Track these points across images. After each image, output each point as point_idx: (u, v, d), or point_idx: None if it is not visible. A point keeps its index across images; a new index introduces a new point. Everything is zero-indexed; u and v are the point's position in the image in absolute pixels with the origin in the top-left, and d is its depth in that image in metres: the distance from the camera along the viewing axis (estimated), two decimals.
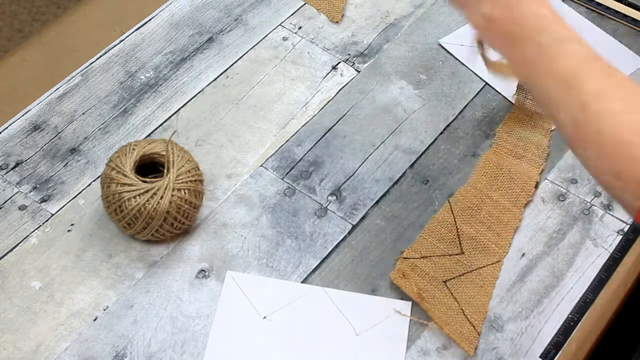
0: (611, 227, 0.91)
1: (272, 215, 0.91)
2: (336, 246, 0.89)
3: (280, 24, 1.07)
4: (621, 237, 0.90)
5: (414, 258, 0.87)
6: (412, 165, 0.95)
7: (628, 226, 0.91)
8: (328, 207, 0.92)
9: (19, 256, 0.87)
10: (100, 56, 1.03)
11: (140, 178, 0.84)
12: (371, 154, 0.96)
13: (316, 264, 0.88)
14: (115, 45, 1.04)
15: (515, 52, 0.70)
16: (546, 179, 0.95)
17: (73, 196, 0.92)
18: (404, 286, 0.85)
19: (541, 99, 0.69)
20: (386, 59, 1.05)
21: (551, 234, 0.91)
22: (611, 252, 0.89)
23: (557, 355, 0.83)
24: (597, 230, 0.91)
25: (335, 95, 1.01)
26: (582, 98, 0.65)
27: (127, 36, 1.05)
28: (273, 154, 0.96)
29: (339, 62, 1.04)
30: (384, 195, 0.93)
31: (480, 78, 1.03)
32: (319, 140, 0.97)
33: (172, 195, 0.83)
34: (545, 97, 0.68)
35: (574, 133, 0.66)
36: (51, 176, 0.93)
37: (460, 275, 0.86)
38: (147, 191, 0.83)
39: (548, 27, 0.68)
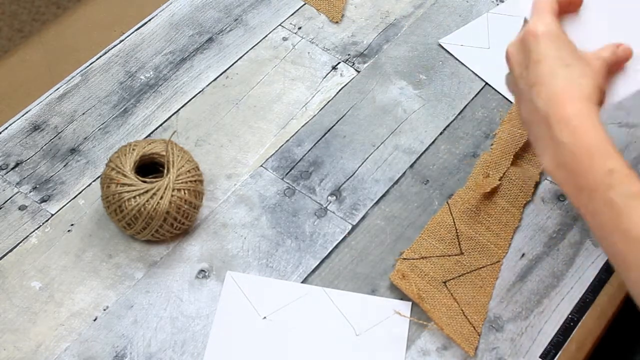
0: None
1: (272, 216, 0.91)
2: (336, 246, 0.89)
3: (280, 24, 1.07)
4: None
5: (414, 259, 0.87)
6: (412, 165, 0.95)
7: None
8: (328, 207, 0.92)
9: (19, 256, 0.87)
10: (100, 56, 1.03)
11: (140, 178, 0.84)
12: (371, 154, 0.96)
13: (316, 264, 0.88)
14: (115, 45, 1.04)
15: (581, 199, 0.67)
16: (546, 179, 0.95)
17: (73, 196, 0.92)
18: (404, 287, 0.85)
19: (609, 253, 0.66)
20: (386, 59, 1.05)
21: (551, 234, 0.91)
22: None
23: (557, 355, 0.83)
24: None
25: (335, 95, 1.01)
26: None
27: (127, 36, 1.05)
28: (273, 154, 0.96)
29: (339, 62, 1.04)
30: (383, 195, 0.93)
31: (480, 78, 1.03)
32: (318, 141, 0.97)
33: (172, 196, 0.83)
34: (613, 252, 0.65)
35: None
36: (51, 176, 0.93)
37: (459, 276, 0.87)
38: (147, 191, 0.83)
39: (618, 182, 0.64)
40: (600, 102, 0.70)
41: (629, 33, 0.76)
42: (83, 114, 0.98)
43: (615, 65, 0.73)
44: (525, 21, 0.78)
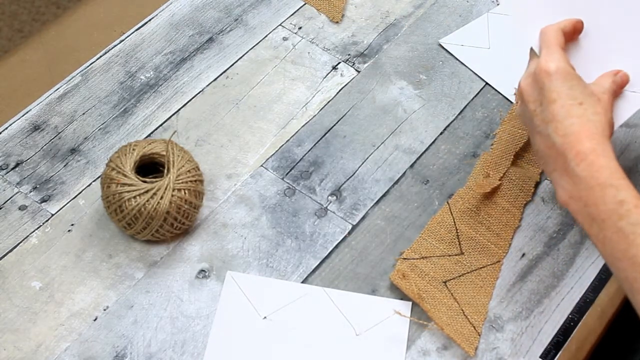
0: None
1: (272, 216, 0.91)
2: (336, 246, 0.89)
3: (280, 24, 1.07)
4: None
5: (414, 259, 0.87)
6: (412, 165, 0.95)
7: None
8: (328, 207, 0.92)
9: (19, 256, 0.87)
10: (100, 56, 1.03)
11: (141, 178, 0.84)
12: (371, 154, 0.96)
13: (316, 264, 0.88)
14: (115, 45, 1.04)
15: (593, 228, 0.72)
16: (546, 179, 0.95)
17: (73, 196, 0.92)
18: (404, 287, 0.85)
19: (619, 278, 0.71)
20: (386, 59, 1.05)
21: (551, 234, 0.91)
22: None
23: (557, 355, 0.83)
24: None
25: (335, 95, 1.01)
26: None
27: (127, 36, 1.05)
28: (273, 154, 0.96)
29: (339, 62, 1.04)
30: (384, 195, 0.93)
31: (481, 78, 1.03)
32: (319, 141, 0.97)
33: (172, 196, 0.83)
34: (623, 277, 0.70)
35: None
36: (51, 176, 0.93)
37: (460, 276, 0.87)
38: (147, 191, 0.83)
39: (628, 212, 0.69)
40: (611, 134, 0.76)
41: (622, 57, 0.82)
42: (83, 114, 0.98)
43: (615, 92, 0.79)
44: (532, 51, 0.83)
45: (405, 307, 0.85)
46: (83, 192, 0.92)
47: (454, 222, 0.90)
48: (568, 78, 0.76)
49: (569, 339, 0.84)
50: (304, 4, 1.09)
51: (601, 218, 0.70)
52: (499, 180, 0.93)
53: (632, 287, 0.69)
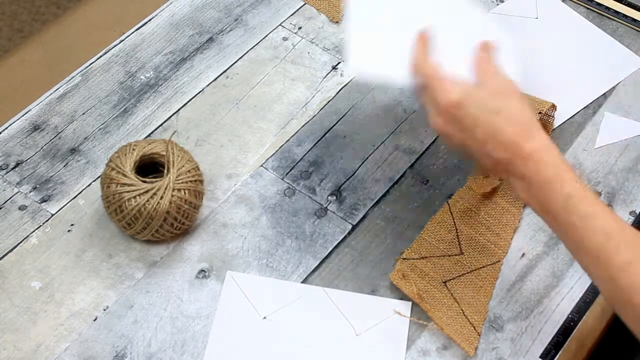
0: None
1: (272, 216, 0.91)
2: (336, 246, 0.89)
3: (280, 24, 1.07)
4: None
5: (414, 259, 0.87)
6: (412, 165, 0.95)
7: None
8: (328, 207, 0.92)
9: (19, 256, 0.87)
10: (100, 56, 1.03)
11: (140, 178, 0.84)
12: (371, 154, 0.96)
13: (316, 264, 0.88)
14: (115, 45, 1.04)
15: (551, 223, 0.75)
16: None
17: (73, 196, 0.92)
18: (404, 287, 0.85)
19: (581, 264, 0.74)
20: None
21: (551, 234, 0.90)
22: None
23: (557, 355, 0.83)
24: None
25: (335, 95, 1.01)
26: (610, 272, 0.69)
27: (127, 36, 1.05)
28: (273, 154, 0.96)
29: (339, 62, 1.04)
30: (384, 195, 0.93)
31: None
32: (319, 141, 0.97)
33: (172, 196, 0.83)
34: (583, 266, 0.73)
35: (609, 299, 0.72)
36: (51, 176, 0.93)
37: (460, 276, 0.87)
38: (147, 191, 0.83)
39: (576, 206, 0.72)
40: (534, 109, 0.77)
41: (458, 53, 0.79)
42: (83, 114, 0.98)
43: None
44: (417, 92, 0.80)
45: (405, 307, 0.85)
46: (83, 192, 0.92)
47: (454, 222, 0.90)
48: (474, 97, 0.75)
49: (569, 339, 0.84)
50: (304, 4, 1.09)
51: (554, 213, 0.73)
52: (499, 180, 0.93)
53: (590, 275, 0.73)
